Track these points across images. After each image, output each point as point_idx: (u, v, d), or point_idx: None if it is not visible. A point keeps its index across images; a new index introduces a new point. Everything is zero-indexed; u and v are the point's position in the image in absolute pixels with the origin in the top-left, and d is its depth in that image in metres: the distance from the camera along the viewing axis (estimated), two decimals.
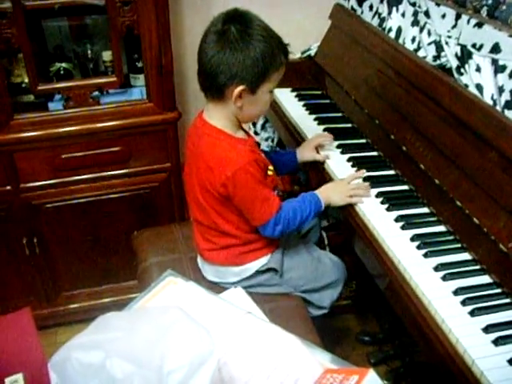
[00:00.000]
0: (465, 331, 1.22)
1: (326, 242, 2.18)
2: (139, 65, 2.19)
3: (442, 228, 1.54)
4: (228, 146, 1.52)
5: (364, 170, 1.76)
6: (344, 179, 1.72)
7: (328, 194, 1.66)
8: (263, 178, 1.57)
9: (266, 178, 1.60)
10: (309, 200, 1.65)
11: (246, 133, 1.64)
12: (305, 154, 1.86)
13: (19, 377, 0.81)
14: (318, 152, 1.87)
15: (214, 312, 1.03)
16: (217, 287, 1.69)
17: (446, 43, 1.71)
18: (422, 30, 1.85)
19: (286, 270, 1.74)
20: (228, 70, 1.42)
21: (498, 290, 1.34)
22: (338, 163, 1.82)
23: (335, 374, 0.84)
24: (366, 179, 1.73)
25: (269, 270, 1.71)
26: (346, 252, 2.03)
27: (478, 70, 1.56)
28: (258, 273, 1.71)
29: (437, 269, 1.39)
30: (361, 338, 2.29)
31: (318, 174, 1.85)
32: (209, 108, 1.56)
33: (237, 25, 1.42)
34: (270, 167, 1.63)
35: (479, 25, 1.59)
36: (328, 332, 1.91)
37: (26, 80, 2.08)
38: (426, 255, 1.44)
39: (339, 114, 2.15)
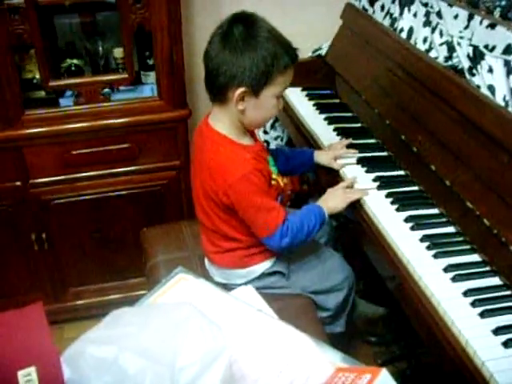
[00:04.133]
0: (474, 333, 1.22)
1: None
2: (150, 62, 2.20)
3: (451, 229, 1.54)
4: (231, 153, 1.51)
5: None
6: (337, 186, 1.70)
7: (328, 203, 1.65)
8: (267, 188, 1.55)
9: (271, 187, 1.59)
10: (313, 211, 1.63)
11: (254, 137, 1.63)
12: (323, 158, 1.84)
13: (32, 370, 0.81)
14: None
15: (225, 309, 1.04)
16: (223, 289, 1.69)
17: (458, 44, 1.70)
18: (433, 30, 1.85)
19: (292, 273, 1.73)
20: (229, 70, 1.41)
21: (508, 292, 1.33)
22: (347, 163, 1.82)
23: (347, 373, 0.84)
24: (375, 180, 1.72)
25: (275, 272, 1.71)
26: (354, 252, 2.02)
27: (491, 71, 1.56)
28: (265, 275, 1.70)
29: (446, 270, 1.39)
30: (367, 338, 2.28)
31: (327, 173, 1.85)
32: (214, 111, 1.55)
33: (241, 26, 1.42)
34: (274, 176, 1.62)
35: (492, 26, 1.59)
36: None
37: (38, 76, 2.09)
38: (435, 256, 1.43)
39: (349, 114, 2.15)
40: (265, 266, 1.69)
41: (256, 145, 1.61)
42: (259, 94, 1.46)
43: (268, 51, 1.41)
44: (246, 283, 1.68)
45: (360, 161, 1.82)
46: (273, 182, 1.60)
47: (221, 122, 1.53)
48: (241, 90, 1.43)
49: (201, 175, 1.57)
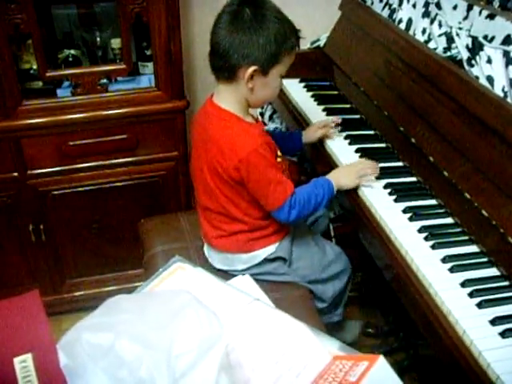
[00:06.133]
0: (472, 323, 1.22)
1: (333, 233, 2.17)
2: (148, 53, 2.19)
3: (449, 220, 1.54)
4: (239, 129, 1.53)
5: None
6: (352, 163, 1.73)
7: (338, 178, 1.67)
8: (275, 161, 1.58)
9: (278, 163, 1.61)
10: (321, 184, 1.65)
11: (254, 118, 1.65)
12: (310, 135, 1.88)
13: (28, 357, 0.81)
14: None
15: (222, 298, 1.03)
16: (224, 275, 1.70)
17: (457, 35, 1.70)
18: (432, 21, 1.84)
19: (294, 260, 1.74)
20: (241, 50, 1.44)
21: (506, 283, 1.33)
22: (345, 154, 1.82)
23: (344, 361, 0.84)
24: None
25: (277, 258, 1.71)
26: (351, 243, 2.02)
27: (489, 61, 1.55)
28: (267, 261, 1.71)
29: (444, 260, 1.39)
30: (365, 330, 2.28)
31: (325, 164, 1.85)
32: (219, 90, 1.56)
33: (251, 6, 1.44)
34: (279, 153, 1.64)
35: (491, 16, 1.58)
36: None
37: (35, 66, 2.08)
38: (433, 247, 1.43)
39: (348, 105, 2.14)
40: (267, 251, 1.70)
41: (259, 123, 1.65)
42: (268, 73, 1.49)
43: (279, 31, 1.45)
44: (247, 269, 1.70)
45: (358, 152, 1.82)
46: (278, 159, 1.62)
47: (227, 100, 1.55)
48: (252, 68, 1.46)
49: (206, 153, 1.57)
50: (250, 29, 1.43)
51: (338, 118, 1.92)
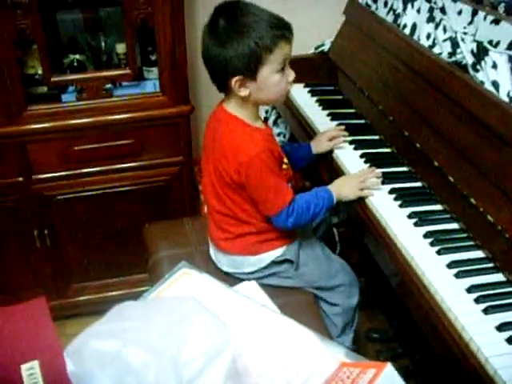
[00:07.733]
0: (478, 329, 1.21)
1: (337, 238, 2.17)
2: (153, 58, 2.19)
3: (455, 225, 1.53)
4: (244, 133, 1.54)
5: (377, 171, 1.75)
6: (354, 174, 1.72)
7: (339, 189, 1.67)
8: (277, 169, 1.58)
9: (281, 171, 1.61)
10: (321, 195, 1.65)
11: (265, 124, 1.66)
12: (319, 145, 1.87)
13: (35, 364, 0.81)
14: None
15: (228, 304, 1.03)
16: (230, 279, 1.70)
17: (462, 40, 1.69)
18: (437, 26, 1.84)
19: (301, 264, 1.74)
20: (219, 64, 1.46)
21: None
22: (350, 159, 1.82)
23: (352, 368, 0.84)
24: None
25: (285, 261, 1.71)
26: (356, 249, 2.02)
27: (495, 66, 1.55)
28: (274, 263, 1.71)
29: (450, 266, 1.38)
30: (369, 335, 2.27)
31: (329, 170, 1.85)
32: (225, 98, 1.59)
33: (224, 18, 1.45)
34: (285, 160, 1.64)
35: (496, 21, 1.58)
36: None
37: (40, 71, 2.08)
38: (439, 252, 1.43)
39: (352, 110, 2.14)
40: (275, 254, 1.70)
41: (267, 128, 1.65)
42: (256, 77, 1.48)
43: (250, 37, 1.43)
44: (254, 272, 1.70)
45: (363, 157, 1.82)
46: (284, 166, 1.63)
47: (233, 106, 1.57)
48: (235, 78, 1.47)
49: (214, 156, 1.59)
50: (223, 42, 1.43)
51: (341, 127, 1.91)
